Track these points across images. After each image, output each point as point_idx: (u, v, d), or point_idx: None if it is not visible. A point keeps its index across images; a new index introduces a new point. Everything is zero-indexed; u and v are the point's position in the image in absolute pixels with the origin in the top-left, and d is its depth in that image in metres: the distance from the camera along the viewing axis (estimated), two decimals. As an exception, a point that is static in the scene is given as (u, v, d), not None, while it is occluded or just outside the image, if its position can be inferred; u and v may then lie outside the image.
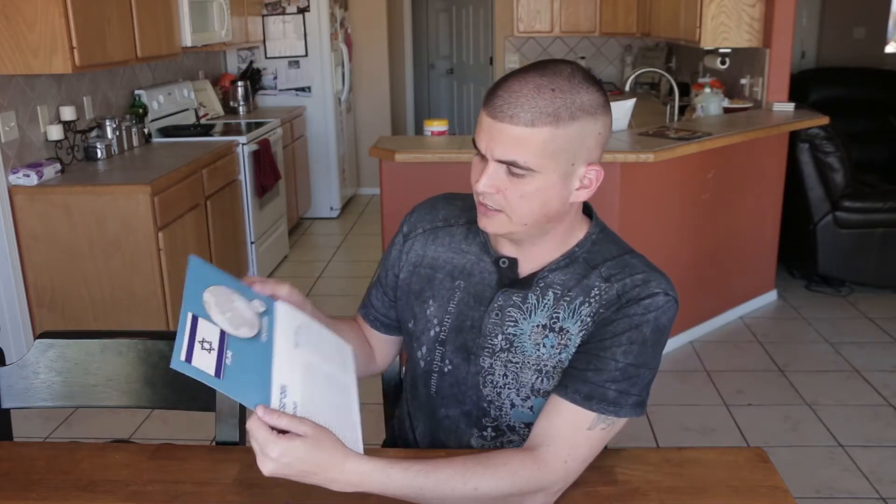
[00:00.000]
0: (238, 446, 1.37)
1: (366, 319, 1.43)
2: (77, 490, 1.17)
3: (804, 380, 3.32)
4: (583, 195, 1.15)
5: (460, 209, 1.31)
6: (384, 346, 1.44)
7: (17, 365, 1.49)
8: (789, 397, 3.18)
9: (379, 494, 1.04)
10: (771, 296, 4.20)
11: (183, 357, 1.02)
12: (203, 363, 1.03)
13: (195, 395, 1.47)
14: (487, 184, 1.11)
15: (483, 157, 1.13)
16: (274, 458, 0.98)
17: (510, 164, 1.09)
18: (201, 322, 1.07)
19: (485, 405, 1.22)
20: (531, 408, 1.20)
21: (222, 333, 1.07)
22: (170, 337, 1.49)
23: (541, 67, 1.09)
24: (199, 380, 1.02)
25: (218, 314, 1.08)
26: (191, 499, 1.14)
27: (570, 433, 1.10)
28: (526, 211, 1.12)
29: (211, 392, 1.44)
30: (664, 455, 1.23)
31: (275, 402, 1.04)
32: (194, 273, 1.11)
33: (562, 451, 1.09)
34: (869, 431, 2.90)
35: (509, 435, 1.24)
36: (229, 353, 1.06)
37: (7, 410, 1.50)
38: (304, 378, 1.08)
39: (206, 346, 1.04)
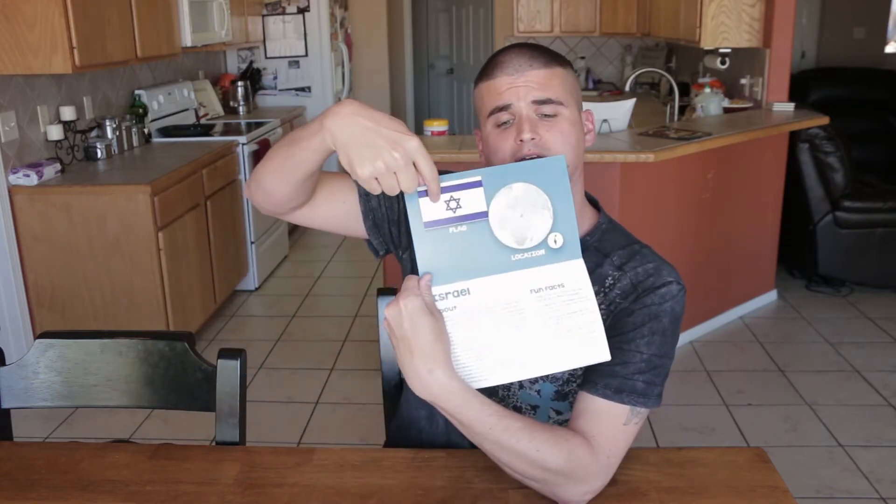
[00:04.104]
0: (238, 446, 1.36)
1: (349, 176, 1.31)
2: (77, 490, 1.17)
3: (804, 380, 3.32)
4: (590, 139, 1.27)
5: None
6: (335, 208, 1.27)
7: (17, 365, 1.49)
8: (789, 397, 3.18)
9: (448, 414, 1.05)
10: (771, 296, 4.20)
11: (421, 189, 1.01)
12: (428, 209, 1.02)
13: (195, 395, 1.46)
14: (529, 129, 1.16)
15: (504, 126, 1.18)
16: (401, 305, 1.02)
17: (544, 103, 1.17)
18: (478, 191, 1.03)
19: (520, 379, 1.22)
20: (538, 391, 1.21)
21: (483, 214, 1.04)
22: (170, 337, 1.49)
23: (513, 45, 1.24)
24: (408, 211, 1.02)
25: (503, 203, 1.04)
26: (191, 499, 1.14)
27: (609, 429, 1.11)
28: (568, 149, 1.17)
29: (211, 392, 1.44)
30: (664, 455, 1.23)
31: (443, 289, 1.03)
32: (546, 167, 1.05)
33: (605, 446, 1.10)
34: (869, 431, 2.90)
35: None
36: (463, 227, 1.03)
37: (7, 410, 1.50)
38: (492, 308, 1.04)
39: (453, 205, 1.02)
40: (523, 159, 1.14)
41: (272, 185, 1.15)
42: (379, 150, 0.98)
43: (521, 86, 1.17)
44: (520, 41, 7.33)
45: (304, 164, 1.09)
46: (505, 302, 1.05)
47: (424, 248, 1.03)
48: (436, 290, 1.05)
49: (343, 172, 1.27)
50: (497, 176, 1.04)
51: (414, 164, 0.99)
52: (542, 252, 1.06)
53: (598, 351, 1.06)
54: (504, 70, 1.18)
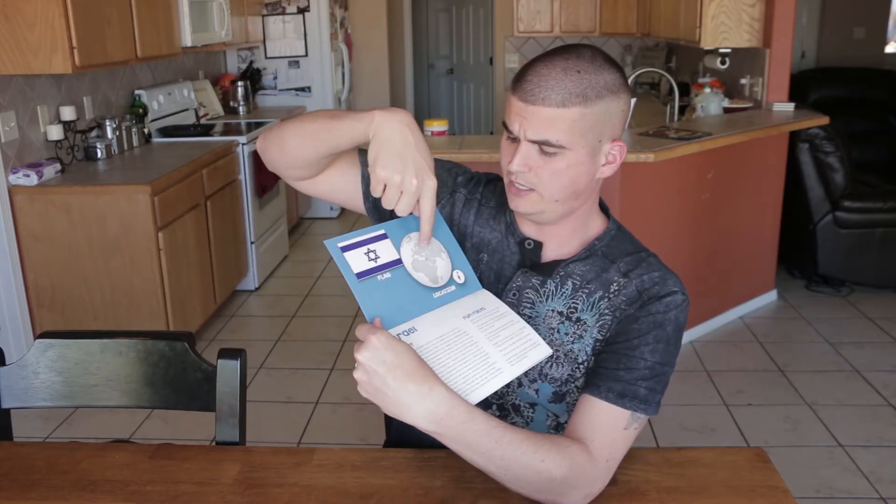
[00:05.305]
0: (238, 446, 1.36)
1: (358, 152, 1.32)
2: (77, 490, 1.17)
3: (804, 380, 3.32)
4: (608, 171, 1.20)
5: (492, 192, 1.34)
6: (337, 182, 1.30)
7: (17, 365, 1.49)
8: (789, 397, 3.18)
9: (450, 437, 1.02)
10: (771, 296, 4.20)
11: (341, 245, 1.08)
12: (354, 262, 1.09)
13: (195, 395, 1.47)
14: (520, 163, 1.15)
15: (513, 140, 1.17)
16: (373, 341, 1.00)
17: (542, 144, 1.13)
18: (386, 242, 1.12)
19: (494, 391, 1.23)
20: (537, 391, 1.22)
21: (398, 261, 1.12)
22: (170, 337, 1.49)
23: (564, 51, 1.15)
24: (339, 267, 1.08)
25: (409, 251, 1.13)
26: (191, 499, 1.14)
27: (609, 432, 1.11)
28: (557, 187, 1.16)
29: (211, 392, 1.44)
30: (664, 455, 1.23)
31: (393, 331, 1.06)
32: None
33: (604, 449, 1.10)
34: (869, 431, 2.90)
35: (513, 415, 1.25)
36: (388, 275, 1.10)
37: (7, 410, 1.50)
38: (442, 337, 1.08)
39: (371, 255, 1.10)
40: (511, 184, 1.18)
41: (294, 146, 1.20)
42: (405, 167, 1.07)
43: (526, 118, 1.13)
44: (522, 43, 7.30)
45: (335, 140, 1.15)
46: (449, 331, 1.10)
47: (364, 298, 1.08)
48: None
49: (351, 150, 1.30)
50: (396, 228, 1.16)
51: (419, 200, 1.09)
52: (453, 288, 1.17)
53: (539, 349, 1.13)
54: (522, 89, 1.13)
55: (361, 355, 1.00)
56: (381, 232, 1.13)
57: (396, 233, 1.15)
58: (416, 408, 1.00)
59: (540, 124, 1.12)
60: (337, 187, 1.30)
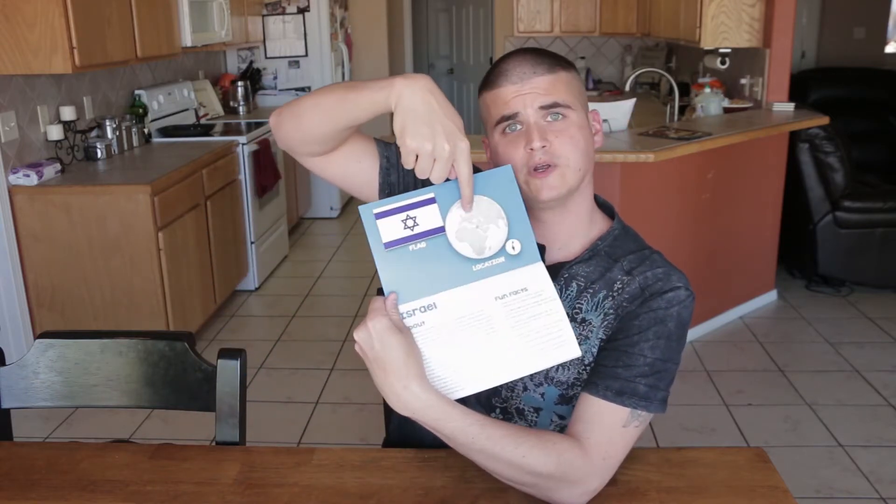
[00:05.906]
0: (238, 446, 1.36)
1: (375, 142, 1.28)
2: (77, 490, 1.17)
3: (804, 380, 3.32)
4: (598, 140, 1.26)
5: None
6: (351, 167, 1.25)
7: (17, 365, 1.49)
8: (789, 397, 3.18)
9: (429, 428, 1.05)
10: (771, 296, 4.20)
11: (377, 211, 1.06)
12: (386, 230, 1.06)
13: (195, 395, 1.47)
14: (539, 136, 1.16)
15: (513, 131, 1.19)
16: (369, 326, 1.03)
17: (551, 107, 1.17)
18: (432, 207, 1.08)
19: (497, 385, 1.23)
20: (542, 394, 1.21)
21: (440, 229, 1.08)
22: (170, 337, 1.49)
23: (518, 51, 1.23)
24: (367, 233, 1.05)
25: (457, 217, 1.08)
26: (191, 499, 1.14)
27: (606, 430, 1.11)
28: (578, 154, 1.18)
29: (211, 392, 1.44)
30: (664, 455, 1.23)
31: (409, 306, 1.06)
32: (496, 178, 1.10)
33: (600, 447, 1.10)
34: (869, 431, 2.90)
35: (516, 419, 1.24)
36: (423, 244, 1.07)
37: (7, 410, 1.50)
38: (460, 318, 1.07)
39: (409, 223, 1.07)
40: (536, 168, 1.16)
41: (311, 120, 1.15)
42: (434, 133, 1.03)
43: (527, 93, 1.16)
44: (520, 46, 7.36)
45: (354, 112, 1.11)
46: (472, 312, 1.07)
47: (387, 269, 1.06)
48: (402, 308, 1.07)
49: (370, 137, 1.28)
50: (448, 191, 1.08)
51: (453, 164, 1.05)
52: (501, 259, 1.09)
53: (567, 348, 1.09)
54: (509, 78, 1.18)
55: (357, 334, 1.05)
56: (430, 196, 1.08)
57: (447, 197, 1.08)
58: (392, 398, 1.05)
59: (542, 92, 1.17)
60: (351, 172, 1.26)
